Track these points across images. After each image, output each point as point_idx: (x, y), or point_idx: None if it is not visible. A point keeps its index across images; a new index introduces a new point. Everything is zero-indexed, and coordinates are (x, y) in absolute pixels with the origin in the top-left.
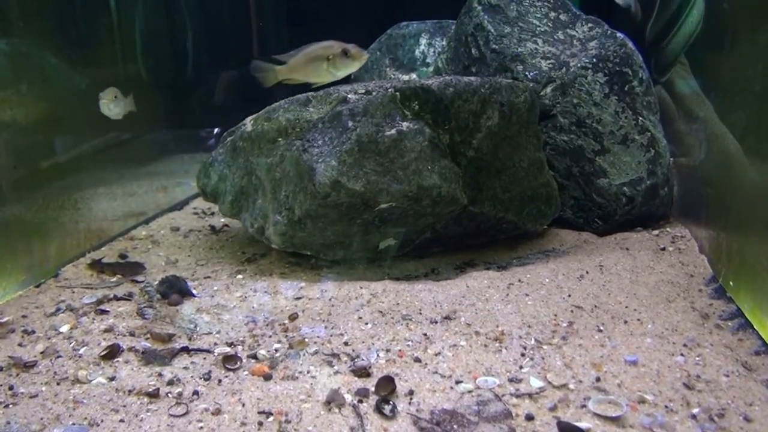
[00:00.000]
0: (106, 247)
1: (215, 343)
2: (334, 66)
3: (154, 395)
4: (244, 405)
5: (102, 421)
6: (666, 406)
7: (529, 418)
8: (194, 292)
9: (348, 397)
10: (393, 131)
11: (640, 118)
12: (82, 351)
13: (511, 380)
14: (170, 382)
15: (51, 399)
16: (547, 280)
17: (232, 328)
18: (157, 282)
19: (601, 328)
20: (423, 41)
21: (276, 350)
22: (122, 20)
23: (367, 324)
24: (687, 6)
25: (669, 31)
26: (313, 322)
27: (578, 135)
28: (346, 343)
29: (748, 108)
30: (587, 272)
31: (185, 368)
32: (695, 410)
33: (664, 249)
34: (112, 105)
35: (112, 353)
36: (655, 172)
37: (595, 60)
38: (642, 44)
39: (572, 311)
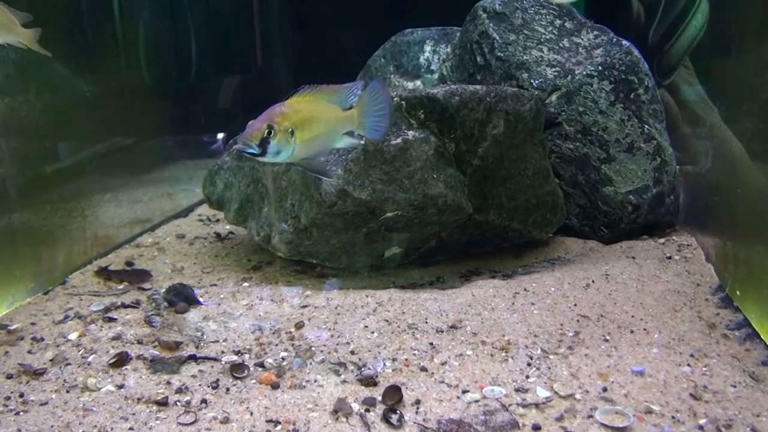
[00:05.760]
0: (113, 254)
1: (222, 352)
2: None
3: (162, 403)
4: (252, 414)
5: (111, 429)
6: (673, 417)
7: (536, 428)
8: (201, 299)
9: (355, 407)
10: (399, 140)
11: (646, 126)
12: (90, 359)
13: (517, 390)
14: (178, 390)
15: (61, 407)
16: (552, 289)
17: (239, 336)
18: (164, 290)
19: (608, 337)
20: (428, 48)
21: (283, 359)
22: (126, 28)
23: (373, 333)
24: (691, 9)
25: (672, 33)
26: (319, 330)
27: (584, 143)
28: (352, 352)
29: (755, 116)
30: (593, 281)
31: (193, 376)
32: (702, 421)
33: (670, 258)
34: None
35: (120, 361)
36: (661, 180)
37: (600, 68)
38: (645, 47)
39: (578, 321)
